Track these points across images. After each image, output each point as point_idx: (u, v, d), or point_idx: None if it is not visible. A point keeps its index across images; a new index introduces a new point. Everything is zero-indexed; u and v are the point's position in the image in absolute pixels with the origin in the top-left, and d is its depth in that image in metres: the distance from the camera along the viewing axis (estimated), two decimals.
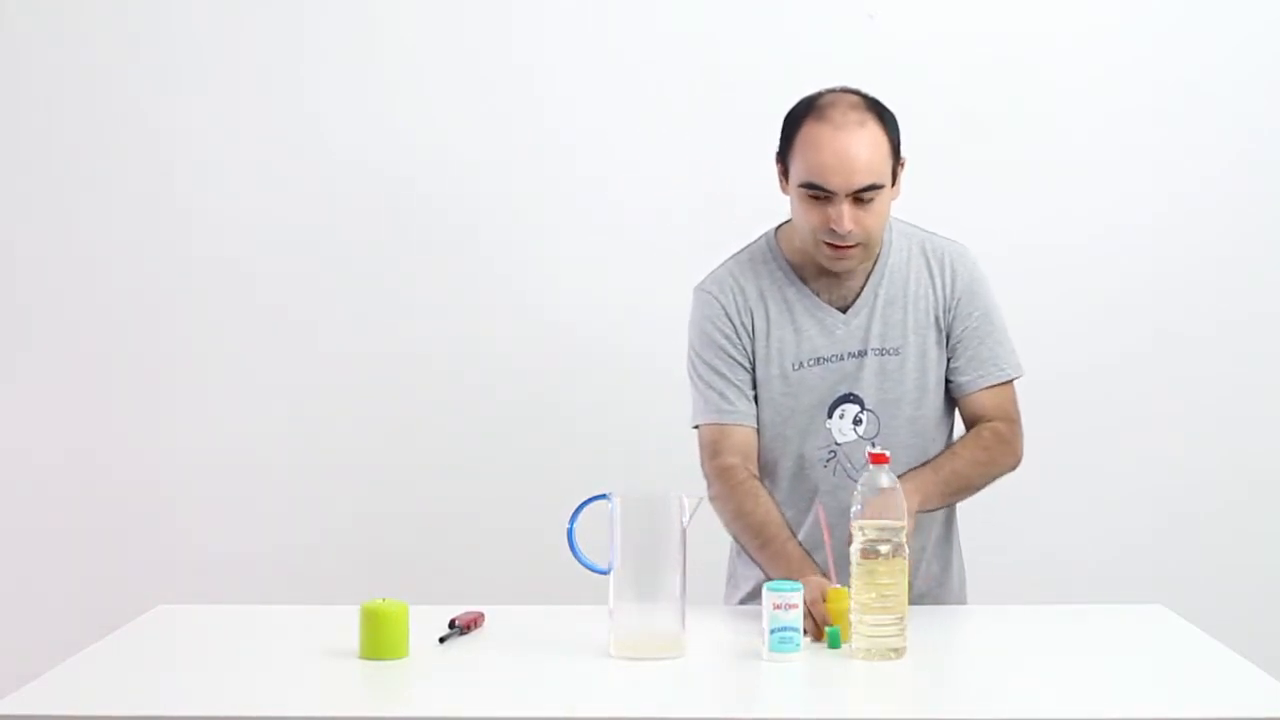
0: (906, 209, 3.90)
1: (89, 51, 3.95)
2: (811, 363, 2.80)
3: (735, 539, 2.83)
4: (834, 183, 2.65)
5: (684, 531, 2.44)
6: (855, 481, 2.72)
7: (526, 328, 3.93)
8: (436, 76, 3.94)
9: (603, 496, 2.55)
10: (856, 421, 2.80)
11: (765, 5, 3.93)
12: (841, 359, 2.79)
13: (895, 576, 2.39)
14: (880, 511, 2.41)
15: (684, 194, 3.90)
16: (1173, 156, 3.94)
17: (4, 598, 3.98)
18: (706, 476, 2.82)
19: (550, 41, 3.94)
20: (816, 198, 2.67)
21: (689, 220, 3.88)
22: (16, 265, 3.98)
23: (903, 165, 2.77)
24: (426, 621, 2.50)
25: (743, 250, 2.89)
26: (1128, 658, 2.48)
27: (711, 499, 2.78)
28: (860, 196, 2.66)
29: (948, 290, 2.81)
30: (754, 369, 2.82)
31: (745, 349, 2.82)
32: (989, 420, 2.82)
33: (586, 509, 2.62)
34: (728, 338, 2.82)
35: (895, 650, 2.40)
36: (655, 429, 3.70)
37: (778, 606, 2.37)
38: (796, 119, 2.72)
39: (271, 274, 3.97)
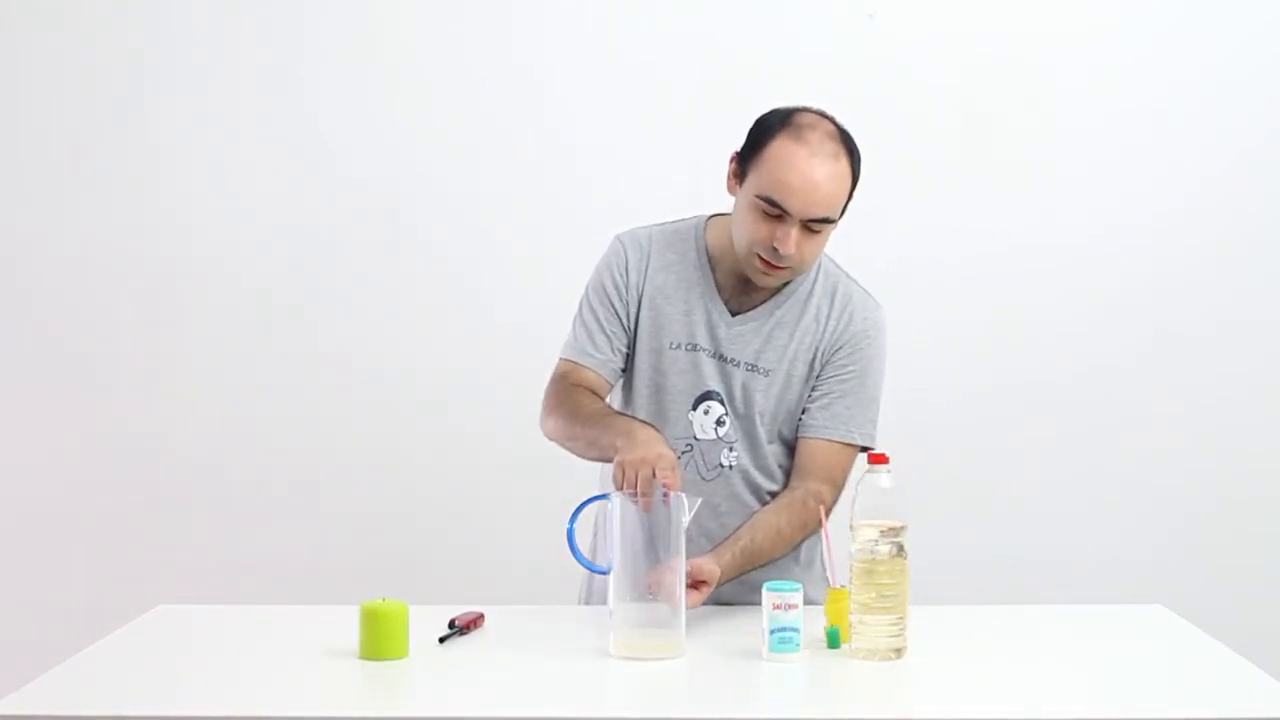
0: (908, 209, 3.93)
1: (89, 51, 3.95)
2: (688, 348, 2.77)
3: (573, 440, 2.71)
4: (793, 205, 2.61)
5: (684, 531, 2.44)
6: (704, 480, 2.75)
7: (528, 328, 3.93)
8: (436, 76, 3.95)
9: (603, 496, 2.55)
10: (719, 422, 2.77)
11: (765, 5, 3.93)
12: (714, 356, 2.77)
13: (895, 577, 2.39)
14: (880, 512, 2.41)
15: (684, 194, 3.88)
16: (1173, 156, 3.94)
17: (4, 598, 3.98)
18: (545, 396, 2.79)
19: (550, 42, 3.95)
20: (769, 213, 2.64)
21: None
22: (16, 265, 3.98)
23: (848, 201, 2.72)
24: (426, 621, 2.50)
25: (673, 222, 2.88)
26: (1128, 658, 2.48)
27: (545, 417, 2.76)
28: (811, 226, 2.63)
29: (834, 333, 2.77)
30: (635, 335, 2.80)
31: (627, 307, 2.81)
32: (814, 476, 2.74)
33: (586, 509, 2.63)
34: (617, 289, 2.82)
35: (895, 650, 2.40)
36: None
37: (778, 606, 2.37)
38: (771, 129, 2.67)
39: (272, 275, 3.97)
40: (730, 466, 2.77)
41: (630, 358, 2.82)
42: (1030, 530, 3.95)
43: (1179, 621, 2.67)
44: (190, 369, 3.98)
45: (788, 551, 2.76)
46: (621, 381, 2.85)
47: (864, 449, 2.75)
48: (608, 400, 2.81)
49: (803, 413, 2.78)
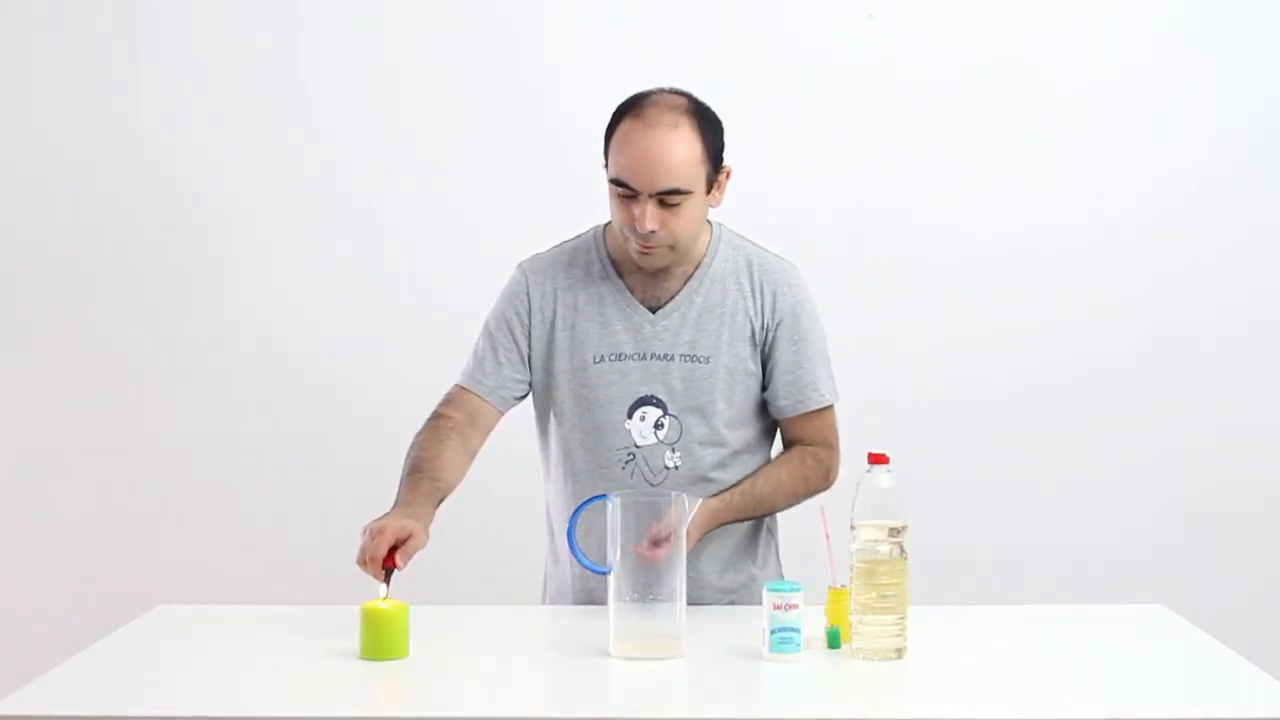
0: (907, 210, 3.92)
1: (88, 50, 3.94)
2: (613, 358, 2.78)
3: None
4: (638, 181, 2.64)
5: (684, 532, 2.44)
6: (652, 485, 2.75)
7: None
8: (436, 76, 3.95)
9: (602, 496, 2.55)
10: (658, 425, 2.77)
11: (765, 5, 3.93)
12: (645, 359, 2.77)
13: (896, 577, 2.39)
14: (880, 512, 2.41)
15: None
16: (1173, 157, 3.94)
17: (4, 598, 3.98)
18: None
19: (550, 42, 3.94)
20: (624, 195, 2.67)
21: None
22: (16, 264, 3.98)
23: (727, 174, 2.75)
24: (427, 621, 2.50)
25: (570, 240, 2.90)
26: (1128, 658, 2.48)
27: (415, 436, 2.82)
28: (665, 199, 2.65)
29: (768, 312, 2.79)
30: (550, 358, 2.81)
31: (528, 335, 2.82)
32: (806, 443, 2.82)
33: (586, 509, 2.63)
34: (519, 318, 2.84)
35: (895, 650, 2.40)
36: None
37: (778, 607, 2.37)
38: (620, 113, 2.73)
39: (271, 273, 3.97)
40: (675, 468, 2.77)
41: (548, 381, 2.82)
42: (1030, 530, 3.95)
43: (1179, 621, 2.67)
44: (191, 368, 3.98)
45: (791, 504, 2.82)
46: (541, 406, 2.86)
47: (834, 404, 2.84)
48: (538, 424, 2.88)
49: (769, 398, 2.80)
